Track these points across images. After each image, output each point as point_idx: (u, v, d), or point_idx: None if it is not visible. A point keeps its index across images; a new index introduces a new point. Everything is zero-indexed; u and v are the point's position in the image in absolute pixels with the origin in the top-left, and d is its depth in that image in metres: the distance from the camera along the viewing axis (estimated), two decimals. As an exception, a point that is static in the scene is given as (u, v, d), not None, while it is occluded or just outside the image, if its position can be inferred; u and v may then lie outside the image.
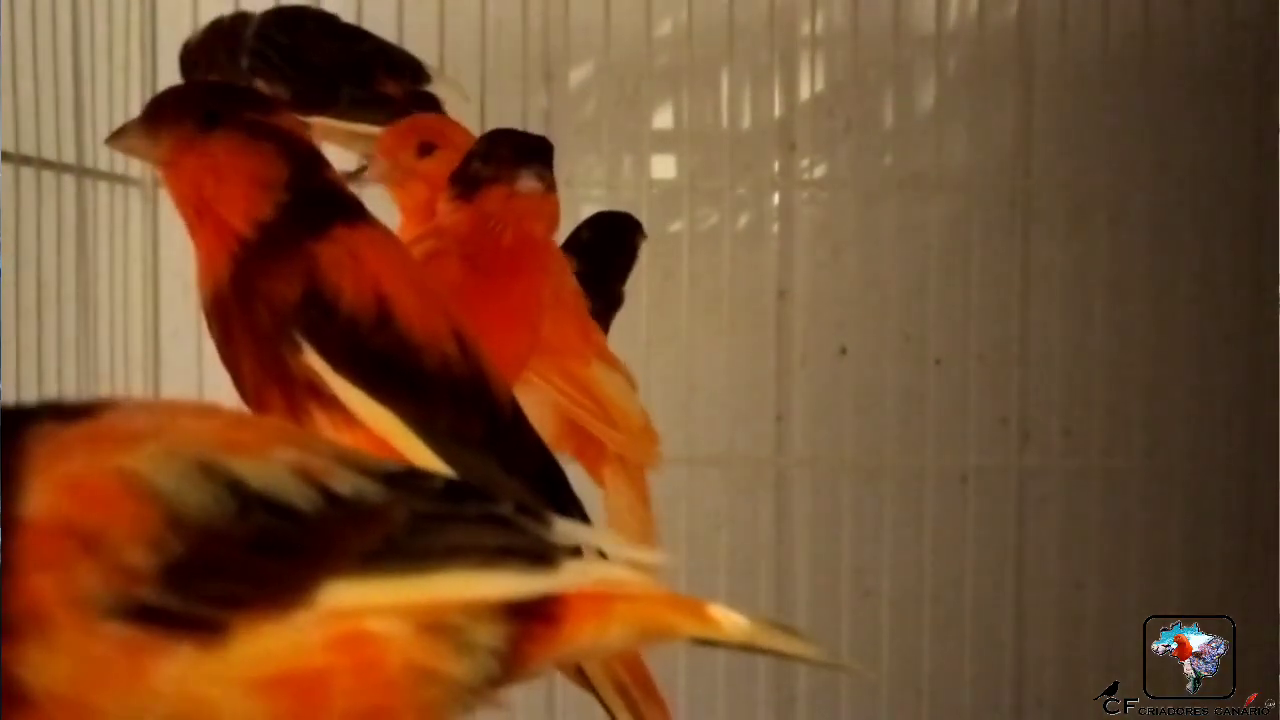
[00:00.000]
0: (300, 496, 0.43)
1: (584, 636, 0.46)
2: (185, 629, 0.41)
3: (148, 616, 0.40)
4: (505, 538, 0.45)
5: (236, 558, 0.42)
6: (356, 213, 0.65)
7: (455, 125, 0.86)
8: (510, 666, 0.45)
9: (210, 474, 0.42)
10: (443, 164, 0.80)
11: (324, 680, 0.42)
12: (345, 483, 0.44)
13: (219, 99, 0.64)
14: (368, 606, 0.43)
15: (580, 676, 0.64)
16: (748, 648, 0.48)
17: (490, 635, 0.44)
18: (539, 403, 0.78)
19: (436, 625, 0.44)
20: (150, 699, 0.40)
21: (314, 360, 0.60)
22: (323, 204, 0.64)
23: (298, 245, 0.62)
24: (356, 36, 0.99)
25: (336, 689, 0.42)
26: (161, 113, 0.63)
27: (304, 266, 0.61)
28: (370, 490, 0.44)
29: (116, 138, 0.64)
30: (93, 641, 0.40)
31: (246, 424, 0.49)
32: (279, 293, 0.61)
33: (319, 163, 0.65)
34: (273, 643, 0.41)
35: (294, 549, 0.42)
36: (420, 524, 0.44)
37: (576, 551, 0.46)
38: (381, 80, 0.96)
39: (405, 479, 0.46)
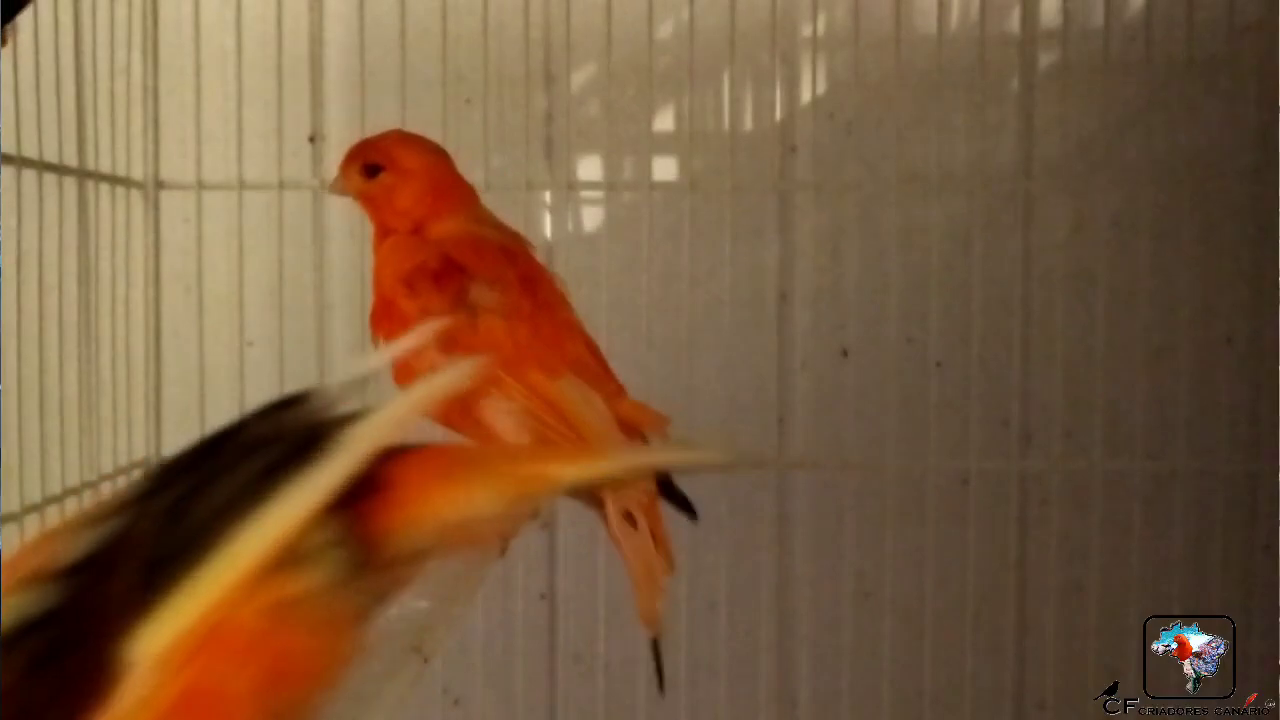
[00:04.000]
0: (35, 605, 0.38)
1: (437, 501, 0.42)
2: None
3: None
4: (266, 455, 0.41)
5: (22, 696, 0.37)
6: None
7: (408, 150, 0.84)
8: (364, 549, 0.41)
9: None
10: (384, 188, 0.83)
11: (201, 688, 0.38)
12: (78, 544, 0.39)
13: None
14: (182, 626, 0.38)
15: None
16: (636, 473, 0.45)
17: (320, 534, 0.40)
18: (508, 412, 0.78)
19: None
20: None
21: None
22: None
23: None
24: None
25: (220, 685, 0.38)
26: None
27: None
28: (110, 526, 0.40)
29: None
30: None
31: None
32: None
33: None
34: (123, 712, 0.37)
35: (65, 649, 0.38)
36: (170, 518, 0.40)
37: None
38: None
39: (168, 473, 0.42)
